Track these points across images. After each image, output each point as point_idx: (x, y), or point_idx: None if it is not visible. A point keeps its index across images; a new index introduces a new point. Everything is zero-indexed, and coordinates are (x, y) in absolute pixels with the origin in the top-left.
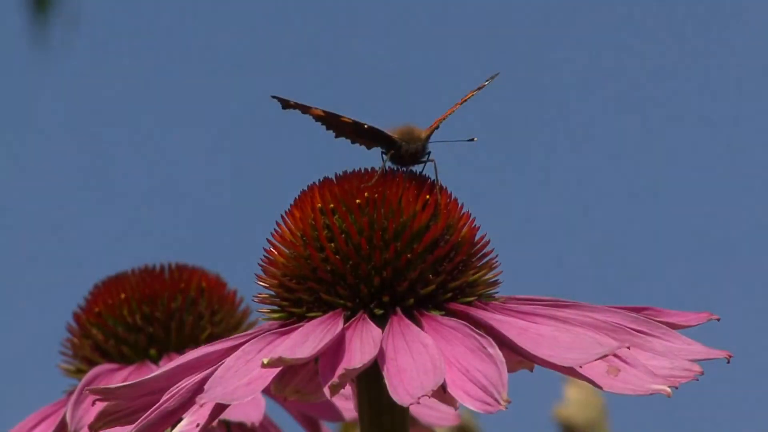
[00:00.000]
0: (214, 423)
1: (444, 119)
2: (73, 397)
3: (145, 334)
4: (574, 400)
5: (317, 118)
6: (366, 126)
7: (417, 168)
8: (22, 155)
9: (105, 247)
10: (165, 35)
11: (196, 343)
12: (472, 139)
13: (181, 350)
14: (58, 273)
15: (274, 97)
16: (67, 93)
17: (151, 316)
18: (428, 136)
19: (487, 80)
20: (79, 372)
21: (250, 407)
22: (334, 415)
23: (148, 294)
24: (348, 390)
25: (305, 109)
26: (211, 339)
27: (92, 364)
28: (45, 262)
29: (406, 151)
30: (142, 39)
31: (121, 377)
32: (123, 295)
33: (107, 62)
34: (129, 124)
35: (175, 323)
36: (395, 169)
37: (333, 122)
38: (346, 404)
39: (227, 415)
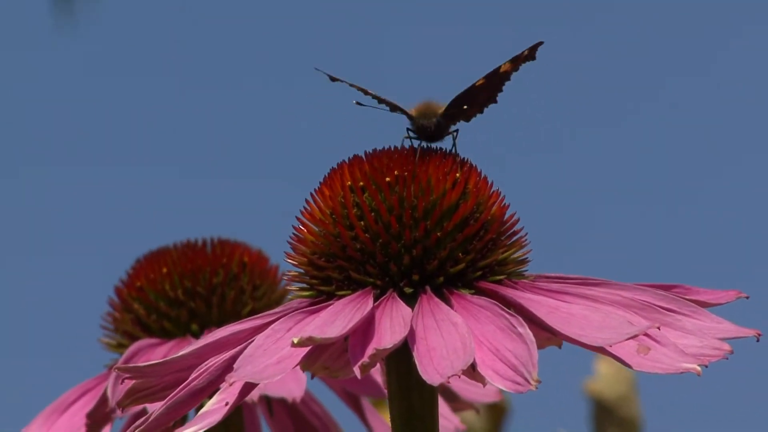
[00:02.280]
0: (256, 399)
1: (466, 95)
2: (114, 372)
3: (186, 309)
4: (604, 375)
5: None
6: (381, 99)
7: (447, 146)
8: (61, 129)
9: (147, 221)
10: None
11: (238, 318)
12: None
13: (222, 325)
14: (100, 247)
15: (318, 69)
16: (93, 62)
17: (192, 291)
18: (445, 111)
19: (525, 51)
20: (121, 346)
21: (292, 383)
22: (377, 391)
23: (190, 268)
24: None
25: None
26: (252, 314)
27: (133, 338)
28: (87, 236)
29: (420, 126)
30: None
31: (162, 352)
32: (165, 270)
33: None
34: (167, 96)
35: (217, 298)
36: (425, 146)
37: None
38: None
39: (269, 391)
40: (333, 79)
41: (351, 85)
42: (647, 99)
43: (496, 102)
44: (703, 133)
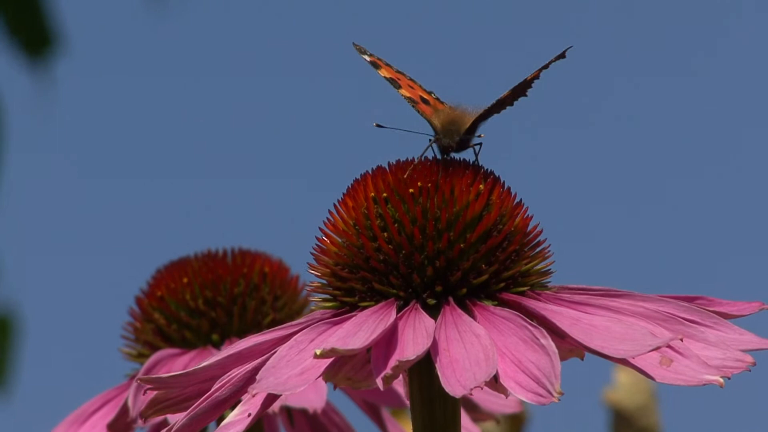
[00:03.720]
0: (276, 410)
1: (492, 110)
2: (135, 382)
3: (207, 319)
4: (624, 385)
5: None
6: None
7: (470, 158)
8: (87, 142)
9: (167, 231)
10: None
11: (259, 329)
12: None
13: (243, 335)
14: (121, 256)
15: (355, 45)
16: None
17: (213, 301)
18: (469, 128)
19: (551, 59)
20: (141, 356)
21: (312, 394)
22: (397, 401)
23: (210, 278)
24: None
25: (376, 66)
26: (273, 324)
27: (154, 348)
28: (108, 245)
29: (442, 146)
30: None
31: (182, 362)
32: (185, 280)
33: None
34: (184, 103)
35: (238, 308)
36: (448, 158)
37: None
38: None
39: (290, 401)
40: (374, 66)
41: (385, 73)
42: (663, 104)
43: (526, 96)
44: (706, 142)
